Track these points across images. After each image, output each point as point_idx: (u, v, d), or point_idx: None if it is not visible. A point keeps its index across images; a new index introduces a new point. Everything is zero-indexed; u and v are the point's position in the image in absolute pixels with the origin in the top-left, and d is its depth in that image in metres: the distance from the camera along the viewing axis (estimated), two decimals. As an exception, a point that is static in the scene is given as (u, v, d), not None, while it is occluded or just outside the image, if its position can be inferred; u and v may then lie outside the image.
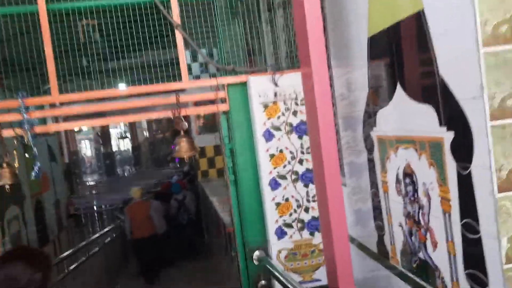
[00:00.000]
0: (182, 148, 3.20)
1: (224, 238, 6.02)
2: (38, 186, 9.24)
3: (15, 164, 3.05)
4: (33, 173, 3.02)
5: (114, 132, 24.61)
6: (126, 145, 25.42)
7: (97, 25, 2.98)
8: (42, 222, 7.91)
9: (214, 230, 7.96)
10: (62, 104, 3.36)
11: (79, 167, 19.80)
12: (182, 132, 3.24)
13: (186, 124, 3.24)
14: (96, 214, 12.49)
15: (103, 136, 22.86)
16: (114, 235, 8.93)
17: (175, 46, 3.15)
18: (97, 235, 8.23)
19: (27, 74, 3.04)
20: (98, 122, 3.65)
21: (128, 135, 25.30)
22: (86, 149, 25.37)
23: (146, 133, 26.20)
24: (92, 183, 18.94)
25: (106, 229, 8.96)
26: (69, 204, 10.81)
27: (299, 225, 3.16)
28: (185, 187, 10.59)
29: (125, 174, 22.00)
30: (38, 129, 3.06)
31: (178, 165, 21.05)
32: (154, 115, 3.32)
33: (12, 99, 3.03)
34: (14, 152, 3.06)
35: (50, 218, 8.78)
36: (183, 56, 3.17)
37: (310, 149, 2.23)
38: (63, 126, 3.27)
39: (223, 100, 3.32)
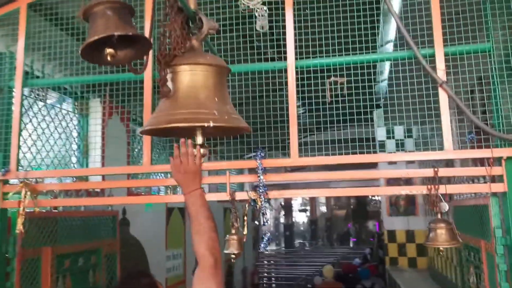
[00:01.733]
0: (440, 236, 2.47)
1: None
2: (230, 250, 9.45)
3: (244, 232, 2.74)
4: (262, 244, 2.65)
5: (295, 204, 24.85)
6: (303, 218, 25.35)
7: (345, 83, 2.58)
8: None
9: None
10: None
11: (258, 235, 20.22)
12: (439, 215, 2.54)
13: (446, 205, 2.54)
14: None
15: (286, 207, 23.25)
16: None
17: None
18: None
19: (267, 133, 2.79)
20: (323, 193, 3.18)
21: (307, 208, 25.26)
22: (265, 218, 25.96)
23: (324, 208, 25.82)
24: (271, 252, 19.03)
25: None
26: (254, 272, 10.73)
27: None
28: (374, 274, 9.54)
29: (304, 247, 21.63)
30: (272, 194, 2.72)
31: (358, 246, 19.84)
32: (405, 189, 2.70)
33: (248, 160, 2.78)
34: (244, 218, 2.76)
35: (236, 285, 8.70)
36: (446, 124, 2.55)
37: None
38: (293, 193, 2.86)
39: (495, 178, 2.55)
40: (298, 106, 2.87)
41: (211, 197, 2.89)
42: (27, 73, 3.37)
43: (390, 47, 4.22)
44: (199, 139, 2.00)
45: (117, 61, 1.59)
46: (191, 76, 1.97)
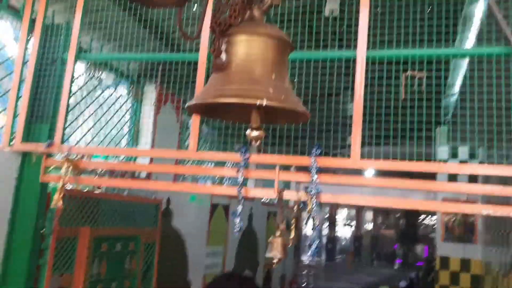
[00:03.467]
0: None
1: None
2: (272, 256, 9.16)
3: (290, 236, 2.47)
4: (309, 252, 2.37)
5: (340, 218, 24.14)
6: (347, 233, 24.58)
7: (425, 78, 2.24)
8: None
9: None
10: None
11: (300, 243, 19.74)
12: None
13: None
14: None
15: (330, 218, 22.63)
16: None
17: None
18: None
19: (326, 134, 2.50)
20: (378, 202, 2.83)
21: (353, 223, 24.47)
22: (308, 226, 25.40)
23: (370, 225, 24.93)
24: (311, 263, 18.53)
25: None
26: (293, 281, 10.38)
27: None
28: (422, 300, 8.93)
29: (345, 263, 20.95)
30: (325, 197, 2.43)
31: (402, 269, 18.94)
32: None
33: (302, 156, 2.51)
34: (293, 221, 2.48)
35: (275, 292, 8.41)
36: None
37: None
38: (347, 199, 2.54)
39: None
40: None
41: (256, 193, 2.65)
42: (81, 49, 3.29)
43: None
44: (254, 119, 1.75)
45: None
46: (247, 48, 1.73)
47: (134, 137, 4.51)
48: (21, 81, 3.08)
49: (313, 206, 2.42)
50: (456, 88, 5.85)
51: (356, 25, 2.53)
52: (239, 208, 2.52)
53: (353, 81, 2.42)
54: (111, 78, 4.26)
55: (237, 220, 2.53)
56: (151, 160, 4.02)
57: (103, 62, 3.77)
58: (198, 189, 4.43)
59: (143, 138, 4.63)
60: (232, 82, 1.66)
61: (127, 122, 4.55)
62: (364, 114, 2.46)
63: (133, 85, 4.55)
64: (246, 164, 2.51)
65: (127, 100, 4.54)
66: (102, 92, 4.12)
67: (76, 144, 3.32)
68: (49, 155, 2.99)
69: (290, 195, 2.50)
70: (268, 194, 2.55)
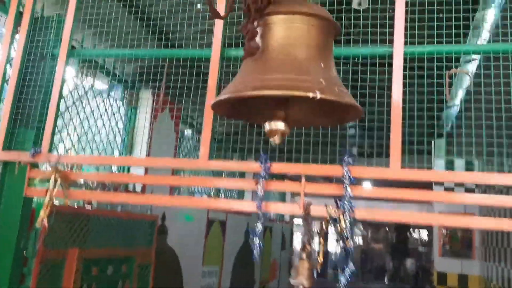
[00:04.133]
0: None
1: None
2: (268, 273, 8.74)
3: (319, 258, 2.11)
4: (342, 279, 2.03)
5: (330, 231, 23.77)
6: (337, 247, 24.26)
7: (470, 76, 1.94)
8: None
9: None
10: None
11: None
12: None
13: None
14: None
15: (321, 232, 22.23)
16: None
17: None
18: None
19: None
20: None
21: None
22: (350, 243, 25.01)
23: (360, 239, 24.65)
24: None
25: None
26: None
27: None
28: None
29: (336, 277, 20.56)
30: (360, 213, 2.09)
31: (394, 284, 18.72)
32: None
33: (331, 165, 2.16)
34: (321, 240, 2.13)
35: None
36: None
37: None
38: (386, 215, 2.20)
39: None
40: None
41: (279, 208, 2.30)
42: (74, 48, 2.93)
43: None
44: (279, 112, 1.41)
45: None
46: (289, 30, 1.40)
47: (128, 146, 4.13)
48: (4, 81, 2.70)
49: (347, 223, 2.08)
50: (457, 100, 5.63)
51: (386, 18, 2.23)
52: (259, 226, 2.16)
53: (389, 80, 2.11)
54: (105, 82, 3.89)
55: (257, 240, 2.17)
56: (146, 171, 3.65)
57: (97, 64, 3.41)
58: (197, 202, 4.04)
59: (138, 147, 4.25)
60: (274, 71, 1.33)
61: (121, 130, 4.17)
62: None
63: (128, 89, 4.19)
64: (267, 174, 2.16)
65: (121, 106, 4.17)
66: (95, 96, 3.75)
67: (65, 153, 2.93)
68: (34, 165, 2.60)
69: (318, 211, 2.15)
70: (292, 210, 2.21)
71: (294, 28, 1.39)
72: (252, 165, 2.21)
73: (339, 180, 2.16)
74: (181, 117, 4.84)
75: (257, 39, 1.39)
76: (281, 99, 1.44)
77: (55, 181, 2.46)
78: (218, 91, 2.31)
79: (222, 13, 2.35)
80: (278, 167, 2.19)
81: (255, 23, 1.37)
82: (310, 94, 1.25)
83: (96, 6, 2.93)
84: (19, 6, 2.80)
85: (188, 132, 5.67)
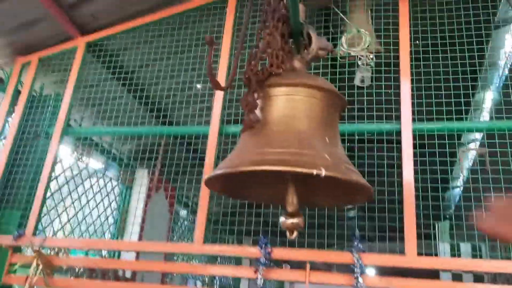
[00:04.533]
0: None
1: None
2: None
3: None
4: None
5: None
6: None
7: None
8: None
9: None
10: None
11: None
12: None
13: None
14: None
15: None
16: None
17: None
18: None
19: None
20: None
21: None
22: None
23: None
24: None
25: None
26: None
27: None
28: None
29: None
30: (372, 305, 1.88)
31: None
32: None
33: (339, 251, 1.99)
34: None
35: None
36: None
37: None
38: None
39: None
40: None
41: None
42: (70, 126, 2.88)
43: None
44: (291, 200, 1.28)
45: None
46: (291, 103, 1.31)
47: (121, 228, 3.93)
48: (-7, 159, 2.60)
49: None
50: (459, 181, 5.52)
51: (390, 95, 2.19)
52: (258, 320, 1.93)
53: (398, 158, 2.00)
54: (100, 161, 3.80)
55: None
56: (138, 254, 3.43)
57: (93, 142, 3.34)
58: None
59: (130, 228, 4.05)
60: (275, 145, 1.22)
61: (114, 210, 4.00)
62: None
63: (123, 169, 4.08)
64: (267, 260, 1.98)
65: (116, 185, 4.04)
66: (90, 176, 3.63)
67: (52, 235, 2.75)
68: (17, 249, 2.42)
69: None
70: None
71: (297, 101, 1.31)
72: (251, 250, 2.03)
73: (342, 267, 1.97)
74: (176, 197, 4.69)
75: (257, 111, 1.30)
76: (282, 176, 1.32)
77: (36, 267, 2.26)
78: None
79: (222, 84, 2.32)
80: (279, 252, 2.02)
81: (255, 95, 1.29)
82: (315, 171, 1.13)
83: (95, 85, 2.92)
84: (18, 84, 2.79)
85: (183, 212, 5.48)
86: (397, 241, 2.28)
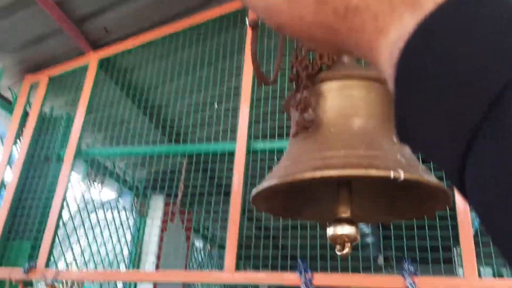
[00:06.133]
0: None
1: None
2: None
3: None
4: None
5: None
6: None
7: None
8: None
9: None
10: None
11: None
12: None
13: None
14: None
15: None
16: None
17: None
18: None
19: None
20: None
21: None
22: None
23: None
24: None
25: None
26: None
27: None
28: None
29: None
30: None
31: None
32: None
33: (391, 275, 1.76)
34: None
35: None
36: None
37: None
38: None
39: None
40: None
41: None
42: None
43: None
44: (345, 201, 1.07)
45: None
46: (349, 98, 1.11)
47: (135, 259, 3.70)
48: (2, 185, 2.42)
49: None
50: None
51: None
52: None
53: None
54: (114, 189, 3.61)
55: None
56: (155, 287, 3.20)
57: (107, 169, 3.16)
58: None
59: (146, 258, 3.83)
60: (336, 147, 1.01)
61: (128, 241, 3.77)
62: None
63: (137, 197, 3.88)
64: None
65: (130, 215, 3.83)
66: (103, 205, 3.44)
67: (66, 268, 2.54)
68: (27, 284, 2.20)
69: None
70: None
71: (355, 96, 1.11)
72: (289, 277, 1.80)
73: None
74: (192, 227, 4.46)
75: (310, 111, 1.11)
76: (339, 187, 1.12)
77: (50, 303, 2.05)
78: (245, 187, 1.99)
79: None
80: (321, 278, 1.79)
81: (309, 91, 1.10)
82: (392, 173, 0.92)
83: (108, 107, 2.76)
84: (27, 106, 2.63)
85: (199, 243, 5.23)
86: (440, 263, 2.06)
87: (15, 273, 2.17)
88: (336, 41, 0.29)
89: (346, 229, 1.05)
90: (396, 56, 0.24)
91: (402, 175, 0.92)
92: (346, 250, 1.08)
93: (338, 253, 1.11)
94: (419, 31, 0.22)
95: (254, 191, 1.09)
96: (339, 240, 1.05)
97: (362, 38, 0.26)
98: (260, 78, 1.11)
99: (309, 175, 0.96)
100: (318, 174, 0.95)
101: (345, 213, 1.06)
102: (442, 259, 2.07)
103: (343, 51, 0.30)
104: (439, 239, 2.14)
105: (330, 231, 1.06)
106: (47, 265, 2.20)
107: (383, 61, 0.26)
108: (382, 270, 2.01)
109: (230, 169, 2.10)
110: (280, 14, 0.29)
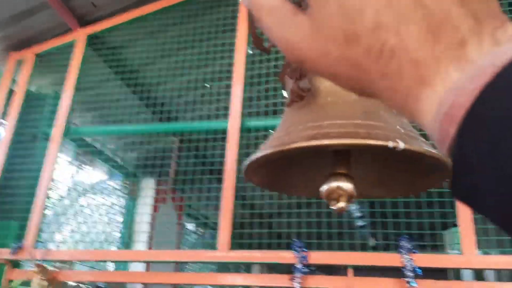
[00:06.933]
0: None
1: None
2: None
3: None
4: None
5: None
6: None
7: None
8: None
9: None
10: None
11: None
12: None
13: None
14: None
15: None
16: None
17: None
18: None
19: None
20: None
21: None
22: None
23: None
24: None
25: None
26: None
27: None
28: None
29: None
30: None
31: None
32: None
33: (387, 252, 1.74)
34: None
35: None
36: None
37: None
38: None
39: None
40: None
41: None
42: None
43: None
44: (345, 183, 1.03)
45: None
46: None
47: (128, 241, 3.67)
48: (-13, 165, 2.36)
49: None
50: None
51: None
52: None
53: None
54: (104, 170, 3.55)
55: None
56: (147, 268, 3.18)
57: (96, 150, 3.10)
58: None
59: (139, 239, 3.80)
60: (333, 116, 0.97)
61: (119, 223, 3.74)
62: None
63: (128, 179, 3.83)
64: (304, 267, 1.72)
65: (120, 196, 3.79)
66: (93, 186, 3.39)
67: (54, 248, 2.50)
68: (15, 264, 2.16)
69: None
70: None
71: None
72: (284, 255, 1.78)
73: (389, 270, 1.72)
74: (184, 209, 4.43)
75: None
76: (341, 159, 1.08)
77: (40, 283, 2.01)
78: (240, 167, 1.95)
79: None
80: (317, 256, 1.76)
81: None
82: (390, 143, 0.88)
83: (97, 85, 2.69)
84: (13, 84, 2.56)
85: (191, 225, 5.21)
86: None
87: (2, 253, 2.13)
88: (363, 82, 0.25)
89: (342, 182, 1.02)
90: (455, 113, 0.21)
91: (401, 145, 0.89)
92: (341, 204, 1.04)
93: (333, 207, 1.07)
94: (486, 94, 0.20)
95: (246, 162, 1.06)
96: (335, 194, 1.02)
97: (399, 84, 0.24)
98: (257, 43, 1.06)
99: (304, 144, 0.92)
100: (314, 143, 0.91)
101: (343, 167, 1.02)
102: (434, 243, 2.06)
103: (366, 94, 0.26)
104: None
105: (324, 186, 1.02)
106: (35, 246, 2.15)
107: (426, 111, 0.23)
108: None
109: (224, 149, 2.06)
110: (302, 48, 0.26)
